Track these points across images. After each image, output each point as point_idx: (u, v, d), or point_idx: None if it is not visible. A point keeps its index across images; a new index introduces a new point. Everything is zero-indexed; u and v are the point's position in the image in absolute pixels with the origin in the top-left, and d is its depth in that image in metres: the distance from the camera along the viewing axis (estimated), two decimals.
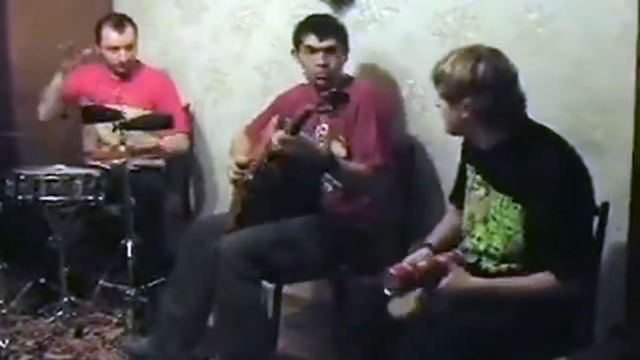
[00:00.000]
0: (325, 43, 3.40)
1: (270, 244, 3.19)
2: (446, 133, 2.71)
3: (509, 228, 2.54)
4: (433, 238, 2.89)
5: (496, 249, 2.60)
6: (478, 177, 2.71)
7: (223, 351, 3.38)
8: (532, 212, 2.48)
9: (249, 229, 3.25)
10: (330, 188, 3.38)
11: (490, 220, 2.62)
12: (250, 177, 3.36)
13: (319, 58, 3.41)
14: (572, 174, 2.48)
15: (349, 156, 3.33)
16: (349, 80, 3.53)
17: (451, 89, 2.54)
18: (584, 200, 2.51)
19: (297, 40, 3.49)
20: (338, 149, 3.32)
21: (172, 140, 4.41)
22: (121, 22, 4.40)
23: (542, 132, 2.58)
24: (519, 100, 2.58)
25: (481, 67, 2.48)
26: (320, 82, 3.43)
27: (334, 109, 2.97)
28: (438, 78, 2.59)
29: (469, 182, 2.77)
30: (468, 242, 2.73)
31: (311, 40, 3.42)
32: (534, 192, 2.46)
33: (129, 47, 4.41)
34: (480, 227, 2.67)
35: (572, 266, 2.44)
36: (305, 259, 3.27)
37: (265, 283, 3.30)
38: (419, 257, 2.72)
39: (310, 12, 3.67)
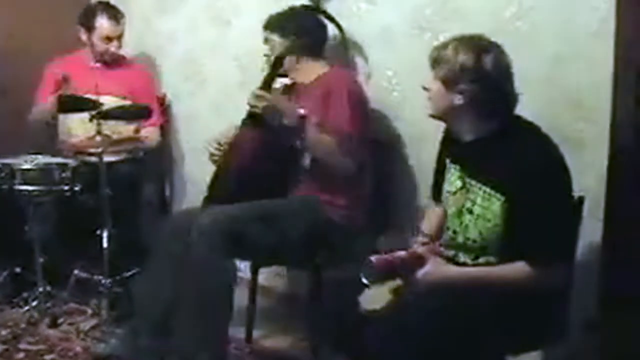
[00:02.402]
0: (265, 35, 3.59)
1: (249, 221, 3.17)
2: (429, 116, 2.70)
3: (489, 220, 2.55)
4: (426, 226, 2.93)
5: (474, 241, 2.61)
6: (456, 170, 2.71)
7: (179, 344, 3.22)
8: (513, 204, 2.49)
9: (229, 206, 3.23)
10: (307, 161, 3.40)
11: (465, 213, 2.63)
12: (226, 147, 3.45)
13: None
14: (554, 168, 2.50)
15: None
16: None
17: (451, 73, 2.54)
18: (564, 194, 2.53)
19: None
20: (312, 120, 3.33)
21: (147, 133, 4.40)
22: (116, 12, 4.39)
23: (526, 126, 2.60)
24: (513, 95, 2.59)
25: (485, 55, 2.50)
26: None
27: None
28: (437, 60, 2.58)
29: (446, 176, 2.78)
30: (446, 236, 2.75)
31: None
32: (516, 185, 2.47)
33: (120, 36, 4.41)
34: (455, 220, 2.68)
35: (549, 258, 2.46)
36: (283, 239, 3.24)
37: (241, 273, 3.30)
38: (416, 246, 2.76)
39: (289, 4, 3.67)
